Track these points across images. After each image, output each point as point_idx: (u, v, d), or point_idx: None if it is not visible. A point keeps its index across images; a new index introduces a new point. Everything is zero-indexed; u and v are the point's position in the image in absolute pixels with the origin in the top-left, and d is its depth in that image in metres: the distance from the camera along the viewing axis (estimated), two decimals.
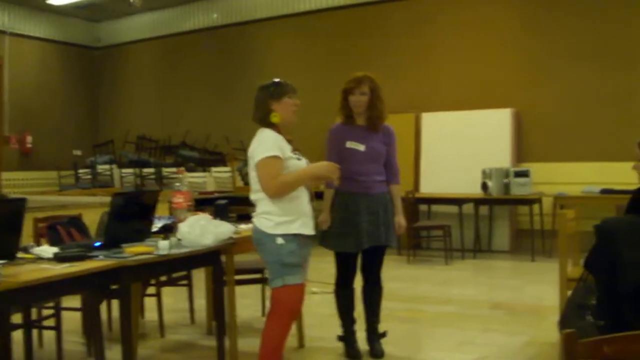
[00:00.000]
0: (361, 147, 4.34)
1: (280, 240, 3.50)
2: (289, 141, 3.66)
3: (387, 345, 4.53)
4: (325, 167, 3.65)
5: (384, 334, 4.56)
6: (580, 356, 1.63)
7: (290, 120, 3.67)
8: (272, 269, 3.56)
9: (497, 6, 9.79)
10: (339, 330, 4.56)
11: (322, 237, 4.41)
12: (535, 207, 8.68)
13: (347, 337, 4.52)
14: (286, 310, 3.56)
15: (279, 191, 3.50)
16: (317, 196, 4.15)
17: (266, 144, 3.53)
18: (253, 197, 3.63)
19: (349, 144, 4.35)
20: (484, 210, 9.19)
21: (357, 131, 4.39)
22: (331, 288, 4.59)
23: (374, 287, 4.54)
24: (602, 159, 8.76)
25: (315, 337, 4.88)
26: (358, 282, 4.53)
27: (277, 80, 3.69)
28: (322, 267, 5.13)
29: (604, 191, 8.29)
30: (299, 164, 3.61)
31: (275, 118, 3.60)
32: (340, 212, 4.35)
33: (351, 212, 4.31)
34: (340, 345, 4.55)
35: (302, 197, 3.62)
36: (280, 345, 3.63)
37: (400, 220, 4.47)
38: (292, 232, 3.52)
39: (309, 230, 3.63)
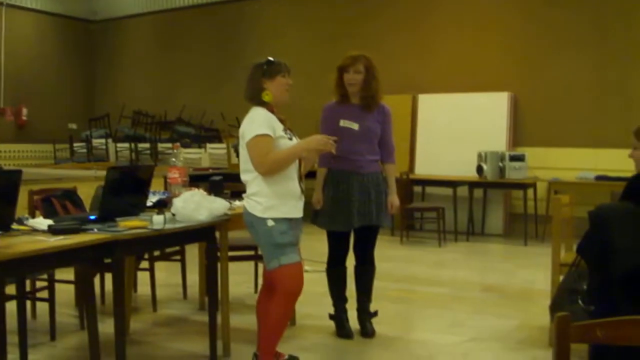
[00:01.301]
0: (355, 126, 4.32)
1: (270, 222, 3.50)
2: (282, 120, 3.64)
3: (378, 324, 4.56)
4: (317, 140, 3.59)
5: (375, 314, 4.58)
6: (573, 339, 1.65)
7: (282, 100, 3.64)
8: (267, 251, 3.57)
9: None
10: (330, 309, 4.58)
11: (314, 216, 4.42)
12: (530, 191, 8.71)
13: (339, 316, 4.54)
14: (286, 290, 3.54)
15: (271, 168, 3.49)
16: (310, 175, 4.12)
17: (257, 122, 3.51)
18: (243, 177, 3.62)
19: (343, 123, 4.33)
20: (478, 193, 9.19)
21: (352, 110, 4.37)
22: (323, 267, 4.61)
23: (366, 266, 4.55)
24: (598, 145, 8.76)
25: (307, 314, 4.89)
26: (351, 261, 4.55)
27: (271, 58, 3.65)
28: (315, 246, 5.13)
29: (599, 177, 8.30)
30: (290, 143, 3.58)
31: (267, 97, 3.58)
32: (331, 190, 4.36)
33: (342, 191, 4.31)
34: (331, 324, 4.57)
35: (293, 177, 3.60)
36: (281, 326, 3.64)
37: (394, 199, 4.47)
38: (281, 217, 3.52)
39: (297, 213, 3.62)
